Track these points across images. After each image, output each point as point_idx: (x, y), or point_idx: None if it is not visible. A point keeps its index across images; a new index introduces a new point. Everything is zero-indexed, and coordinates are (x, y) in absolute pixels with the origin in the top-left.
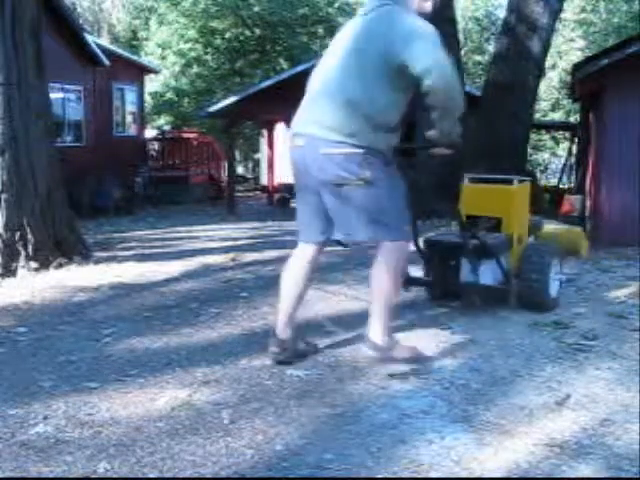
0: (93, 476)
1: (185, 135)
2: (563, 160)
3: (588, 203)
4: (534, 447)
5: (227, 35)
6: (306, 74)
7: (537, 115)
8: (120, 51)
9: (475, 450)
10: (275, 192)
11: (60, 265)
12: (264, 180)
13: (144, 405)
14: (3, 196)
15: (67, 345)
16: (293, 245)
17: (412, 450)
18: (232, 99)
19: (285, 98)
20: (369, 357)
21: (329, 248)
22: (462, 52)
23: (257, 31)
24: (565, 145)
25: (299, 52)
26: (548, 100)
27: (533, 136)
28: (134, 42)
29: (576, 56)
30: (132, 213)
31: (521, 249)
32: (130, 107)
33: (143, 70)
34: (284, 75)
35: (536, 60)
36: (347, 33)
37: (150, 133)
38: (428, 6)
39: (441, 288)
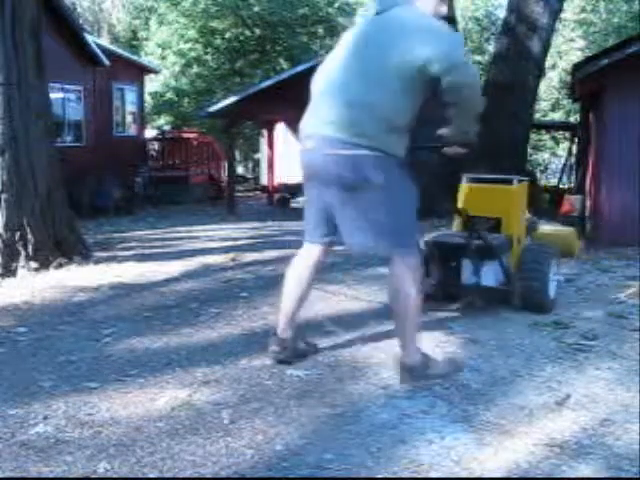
0: (93, 476)
1: (185, 135)
2: (563, 160)
3: (588, 203)
4: (534, 447)
5: (227, 35)
6: (306, 74)
7: (537, 115)
8: (120, 51)
9: (475, 450)
10: (275, 192)
11: (60, 265)
12: (264, 180)
13: (144, 405)
14: (3, 196)
15: (67, 345)
16: (293, 245)
17: (412, 450)
18: (232, 99)
19: (285, 98)
20: (405, 381)
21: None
22: None
23: (257, 31)
24: (565, 145)
25: (299, 52)
26: (548, 100)
27: (533, 136)
28: (134, 42)
29: (576, 56)
30: (132, 213)
31: (520, 249)
32: (130, 107)
33: (143, 70)
34: (284, 75)
35: (536, 60)
36: (358, 34)
37: (150, 133)
38: (444, 10)
39: (442, 289)
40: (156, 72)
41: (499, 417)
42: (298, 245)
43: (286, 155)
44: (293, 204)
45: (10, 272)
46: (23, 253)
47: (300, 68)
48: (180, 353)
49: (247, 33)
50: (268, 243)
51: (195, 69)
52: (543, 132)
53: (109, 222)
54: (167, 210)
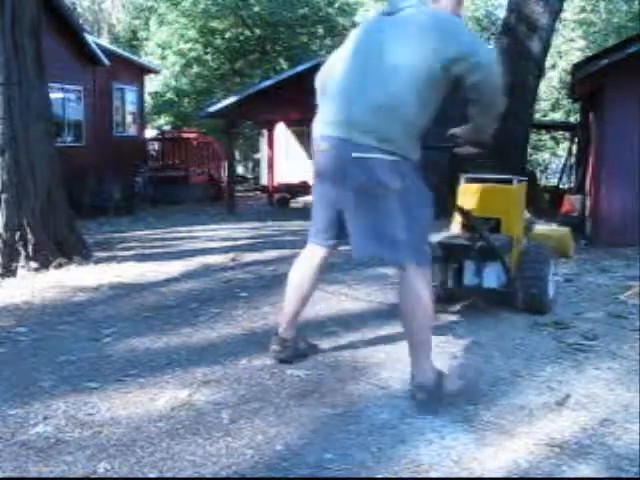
0: (93, 476)
1: (185, 135)
2: (563, 160)
3: (588, 203)
4: (534, 447)
5: (227, 35)
6: (306, 74)
7: (537, 115)
8: (120, 51)
9: (475, 450)
10: (275, 192)
11: (60, 265)
12: (264, 180)
13: (144, 405)
14: (3, 196)
15: (67, 345)
16: (293, 245)
17: (412, 450)
18: (232, 99)
19: (285, 98)
20: (419, 400)
21: None
22: None
23: (257, 31)
24: (565, 145)
25: (299, 52)
26: (548, 100)
27: (533, 136)
28: (134, 42)
29: (576, 56)
30: (132, 213)
31: (519, 250)
32: (130, 107)
33: (143, 70)
34: (284, 75)
35: (536, 60)
36: (374, 33)
37: (150, 133)
38: (462, 11)
39: (444, 291)
40: (156, 72)
41: (499, 417)
42: (298, 245)
43: (286, 155)
44: (293, 204)
45: (10, 272)
46: (23, 253)
47: (300, 68)
48: (180, 353)
49: (247, 33)
50: (268, 243)
51: (195, 69)
52: (543, 132)
53: (109, 222)
54: (167, 210)
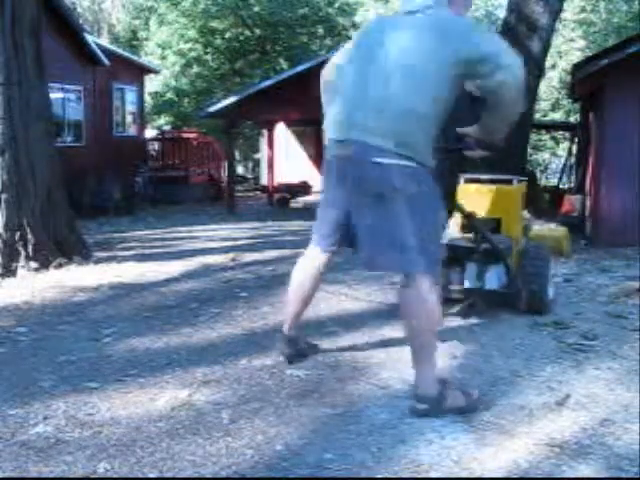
0: (93, 476)
1: (185, 135)
2: (563, 160)
3: (588, 203)
4: (534, 447)
5: (227, 35)
6: (306, 74)
7: (537, 115)
8: (120, 51)
9: (475, 450)
10: (275, 192)
11: (60, 265)
12: (264, 180)
13: (144, 405)
14: (3, 196)
15: (67, 345)
16: (293, 245)
17: (412, 450)
18: (232, 99)
19: (285, 98)
20: (418, 411)
21: None
22: None
23: (257, 31)
24: (565, 145)
25: (299, 52)
26: (548, 100)
27: (533, 136)
28: (134, 42)
29: (576, 56)
30: (132, 213)
31: (518, 250)
32: (130, 107)
33: (143, 70)
34: (284, 75)
35: (536, 60)
36: (392, 32)
37: (150, 133)
38: (467, 14)
39: (445, 293)
40: (156, 72)
41: (499, 417)
42: (298, 245)
43: (286, 155)
44: (293, 204)
45: (10, 272)
46: (23, 253)
47: (300, 68)
48: (180, 353)
49: (247, 33)
50: (268, 243)
51: (195, 69)
52: (543, 132)
53: (109, 222)
54: (167, 210)
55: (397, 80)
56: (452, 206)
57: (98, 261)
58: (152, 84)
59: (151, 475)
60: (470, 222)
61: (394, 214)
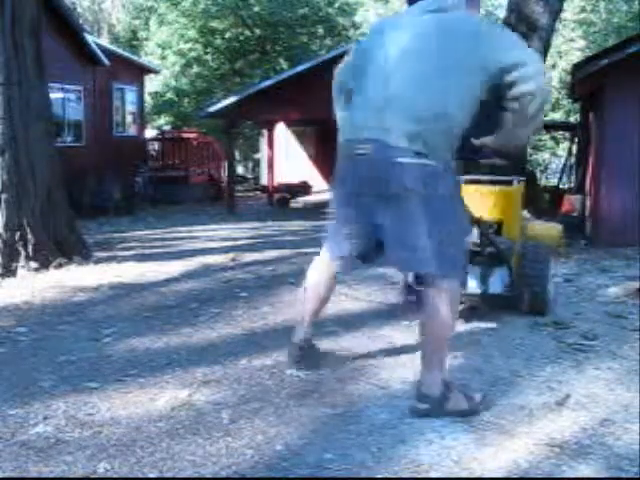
0: (93, 476)
1: (185, 135)
2: (563, 160)
3: (588, 203)
4: (534, 447)
5: (227, 35)
6: (306, 74)
7: None
8: (120, 51)
9: (475, 450)
10: (275, 192)
11: (60, 265)
12: (264, 180)
13: (144, 405)
14: (3, 196)
15: (67, 345)
16: (293, 245)
17: (412, 450)
18: (232, 99)
19: (285, 98)
20: (419, 410)
21: None
22: None
23: (257, 31)
24: (565, 145)
25: (299, 52)
26: None
27: (533, 136)
28: (134, 42)
29: (576, 56)
30: (132, 213)
31: (518, 252)
32: (130, 107)
33: (143, 70)
34: (284, 75)
35: None
36: (415, 29)
37: (150, 133)
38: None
39: None
40: (156, 72)
41: (499, 417)
42: (298, 245)
43: (286, 155)
44: (293, 204)
45: (10, 272)
46: (23, 253)
47: (300, 68)
48: (180, 353)
49: (247, 33)
50: (268, 243)
51: (195, 69)
52: (543, 132)
53: (109, 222)
54: (167, 210)
55: (424, 81)
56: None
57: (98, 261)
58: (152, 84)
59: (151, 475)
60: (477, 226)
61: (408, 213)
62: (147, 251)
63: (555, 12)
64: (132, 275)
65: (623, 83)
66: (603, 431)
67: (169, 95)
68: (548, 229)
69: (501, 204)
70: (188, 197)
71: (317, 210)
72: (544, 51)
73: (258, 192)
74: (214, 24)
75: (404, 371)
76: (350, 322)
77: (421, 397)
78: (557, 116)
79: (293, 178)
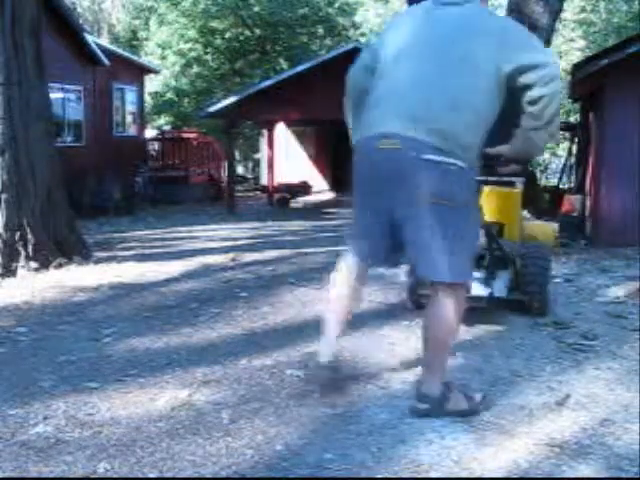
0: (93, 476)
1: (185, 135)
2: (563, 160)
3: (588, 203)
4: (534, 447)
5: (227, 35)
6: (306, 74)
7: None
8: (120, 51)
9: (475, 450)
10: (275, 192)
11: (60, 265)
12: (264, 180)
13: (144, 405)
14: (3, 196)
15: (67, 345)
16: (293, 245)
17: (412, 450)
18: (232, 99)
19: (285, 98)
20: (419, 410)
21: (330, 248)
22: None
23: (257, 31)
24: (565, 145)
25: (299, 52)
26: None
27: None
28: (134, 42)
29: (576, 56)
30: (132, 213)
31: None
32: (130, 107)
33: (143, 70)
34: (284, 75)
35: None
36: (436, 23)
37: (150, 133)
38: None
39: None
40: (156, 72)
41: (499, 417)
42: (298, 245)
43: (286, 155)
44: (293, 204)
45: (10, 272)
46: (23, 253)
47: (300, 68)
48: (180, 353)
49: (247, 33)
50: (268, 243)
51: (195, 69)
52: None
53: (109, 222)
54: (167, 210)
55: (454, 75)
56: None
57: (98, 261)
58: (152, 84)
59: (151, 475)
60: (485, 230)
61: (429, 216)
62: (147, 251)
63: (555, 12)
64: (132, 275)
65: (623, 83)
66: (603, 431)
67: (169, 95)
68: (543, 228)
69: (503, 206)
70: (188, 197)
71: (317, 210)
72: None
73: (258, 192)
74: (214, 24)
75: (404, 371)
76: (350, 322)
77: (421, 397)
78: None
79: (293, 178)
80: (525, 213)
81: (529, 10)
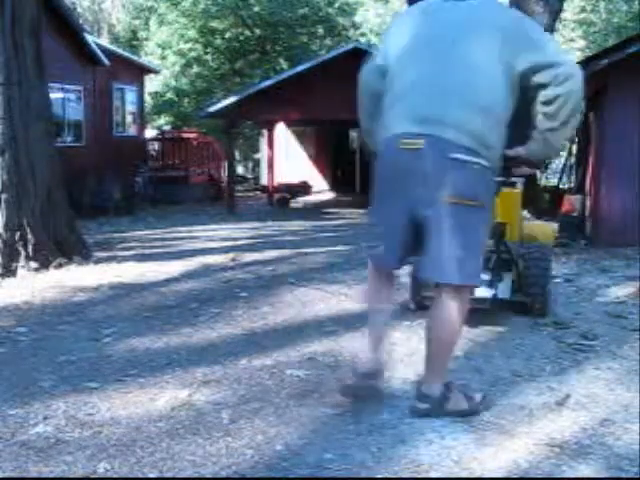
0: (93, 476)
1: (185, 135)
2: (563, 160)
3: (588, 203)
4: (534, 447)
5: (227, 35)
6: (306, 74)
7: None
8: (120, 51)
9: (475, 450)
10: (275, 192)
11: (60, 265)
12: (264, 180)
13: (144, 405)
14: (3, 196)
15: (67, 345)
16: (293, 245)
17: (412, 450)
18: (232, 99)
19: (285, 98)
20: (419, 410)
21: (330, 248)
22: None
23: (257, 31)
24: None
25: (299, 52)
26: None
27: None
28: (134, 42)
29: (576, 56)
30: (132, 213)
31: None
32: (130, 107)
33: (143, 70)
34: (284, 75)
35: None
36: (448, 18)
37: (150, 133)
38: None
39: None
40: (156, 72)
41: (499, 417)
42: (298, 245)
43: (286, 155)
44: (293, 204)
45: (10, 272)
46: (23, 253)
47: (300, 68)
48: (180, 353)
49: (247, 33)
50: (268, 243)
51: (195, 69)
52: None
53: (109, 222)
54: (167, 210)
55: (473, 76)
56: None
57: (98, 261)
58: (152, 84)
59: (151, 475)
60: (494, 231)
61: (448, 218)
62: (147, 251)
63: (555, 12)
64: (132, 275)
65: (623, 83)
66: (603, 431)
67: (169, 95)
68: (543, 228)
69: (505, 207)
70: (188, 197)
71: (317, 210)
72: None
73: (258, 192)
74: (214, 24)
75: (404, 371)
76: (350, 322)
77: (421, 397)
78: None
79: (293, 178)
80: (525, 213)
81: (529, 10)
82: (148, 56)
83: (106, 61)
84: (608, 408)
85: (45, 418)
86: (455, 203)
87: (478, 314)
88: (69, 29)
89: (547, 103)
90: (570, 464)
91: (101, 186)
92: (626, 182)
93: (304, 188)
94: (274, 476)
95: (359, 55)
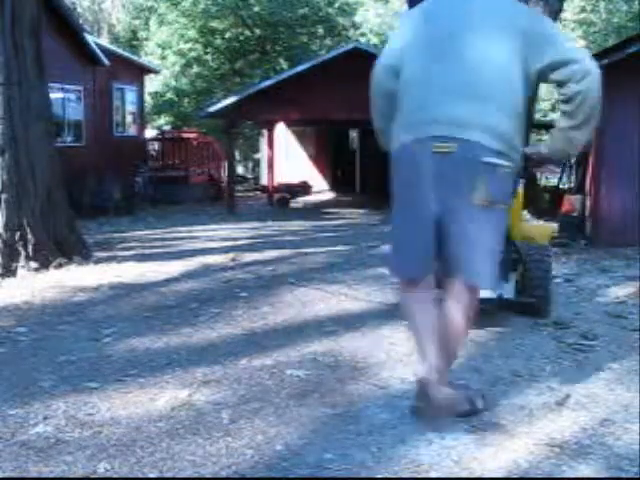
0: (93, 476)
1: (185, 135)
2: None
3: (588, 203)
4: (534, 447)
5: (227, 35)
6: (306, 74)
7: (537, 115)
8: (120, 51)
9: (475, 450)
10: (275, 192)
11: (60, 265)
12: (264, 180)
13: (144, 405)
14: (3, 196)
15: (67, 345)
16: (293, 245)
17: (412, 450)
18: (232, 99)
19: (285, 98)
20: (423, 412)
21: (330, 248)
22: None
23: (257, 31)
24: None
25: (299, 52)
26: (548, 100)
27: (533, 136)
28: (134, 42)
29: None
30: (132, 213)
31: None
32: (130, 107)
33: (143, 70)
34: (284, 75)
35: None
36: (459, 15)
37: (150, 133)
38: None
39: None
40: (156, 72)
41: (499, 417)
42: (298, 245)
43: (286, 155)
44: (293, 204)
45: (10, 272)
46: (23, 253)
47: (300, 68)
48: (180, 353)
49: (247, 33)
50: (268, 243)
51: (195, 69)
52: (543, 132)
53: (109, 222)
54: (167, 210)
55: (500, 77)
56: None
57: (98, 261)
58: (152, 84)
59: (151, 475)
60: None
61: (481, 218)
62: (147, 251)
63: (555, 12)
64: (132, 275)
65: (623, 83)
66: (603, 431)
67: (169, 95)
68: (539, 229)
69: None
70: (188, 197)
71: (317, 210)
72: None
73: (258, 192)
74: (214, 24)
75: (404, 371)
76: (350, 322)
77: (422, 397)
78: (556, 116)
79: (293, 178)
80: (525, 213)
81: None
82: (148, 56)
83: (106, 61)
84: (608, 408)
85: (45, 418)
86: (484, 206)
87: (481, 315)
88: (69, 29)
89: (566, 101)
90: (570, 464)
91: (101, 186)
92: (626, 182)
93: (304, 188)
94: (274, 476)
95: (359, 55)
